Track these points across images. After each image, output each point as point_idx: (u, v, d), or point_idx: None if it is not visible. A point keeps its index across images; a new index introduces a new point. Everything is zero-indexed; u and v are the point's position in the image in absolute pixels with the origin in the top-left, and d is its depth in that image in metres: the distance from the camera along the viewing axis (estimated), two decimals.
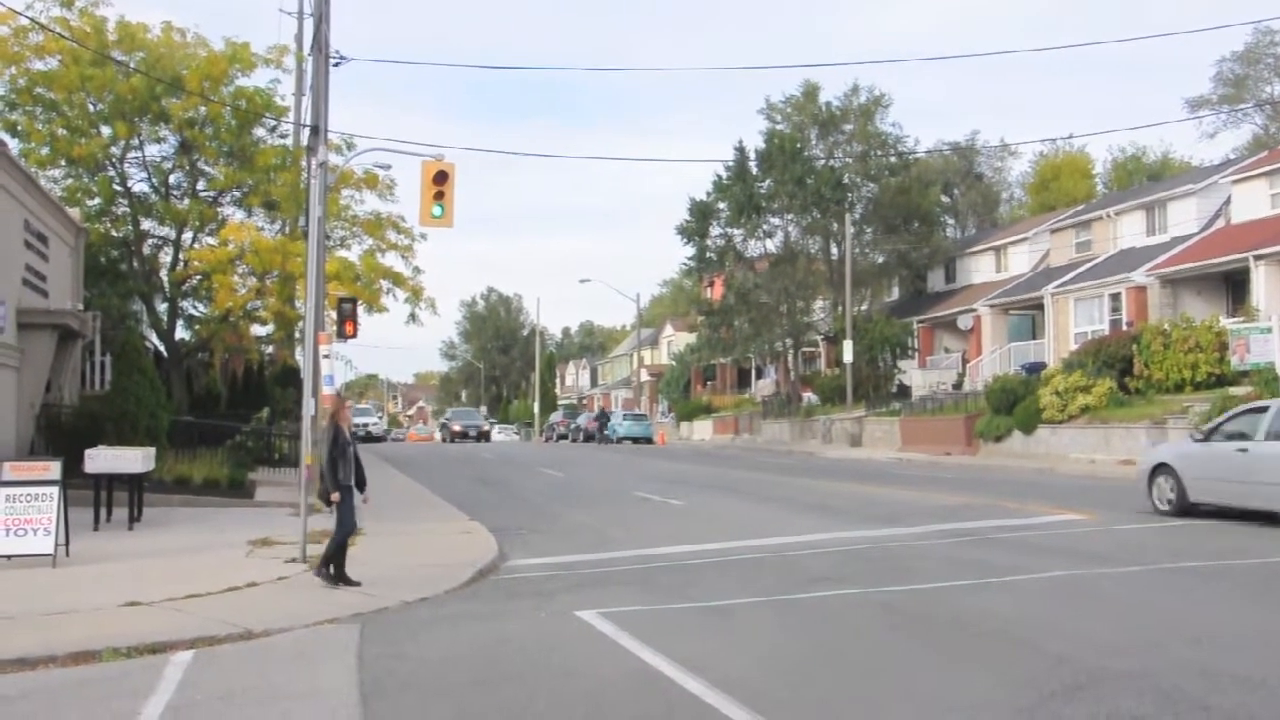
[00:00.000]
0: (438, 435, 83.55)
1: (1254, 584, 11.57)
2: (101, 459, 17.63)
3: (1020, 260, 50.30)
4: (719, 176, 55.57)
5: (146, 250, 32.01)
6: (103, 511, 17.69)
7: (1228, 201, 40.20)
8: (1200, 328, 32.84)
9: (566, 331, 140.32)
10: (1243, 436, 16.60)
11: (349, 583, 11.96)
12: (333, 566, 12.19)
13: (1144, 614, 10.13)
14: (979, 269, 53.35)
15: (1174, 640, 8.90)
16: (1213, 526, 16.26)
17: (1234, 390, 29.17)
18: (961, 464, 33.99)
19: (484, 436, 71.99)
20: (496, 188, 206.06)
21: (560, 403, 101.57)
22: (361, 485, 12.49)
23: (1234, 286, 37.49)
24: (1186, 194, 41.94)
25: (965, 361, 49.65)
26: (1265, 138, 57.51)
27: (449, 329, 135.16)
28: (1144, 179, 60.67)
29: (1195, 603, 10.64)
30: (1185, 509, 17.42)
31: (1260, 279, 34.37)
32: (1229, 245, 36.81)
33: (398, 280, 31.66)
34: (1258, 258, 34.36)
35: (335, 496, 12.02)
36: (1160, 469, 18.33)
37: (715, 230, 56.43)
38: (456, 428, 72.63)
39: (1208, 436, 17.63)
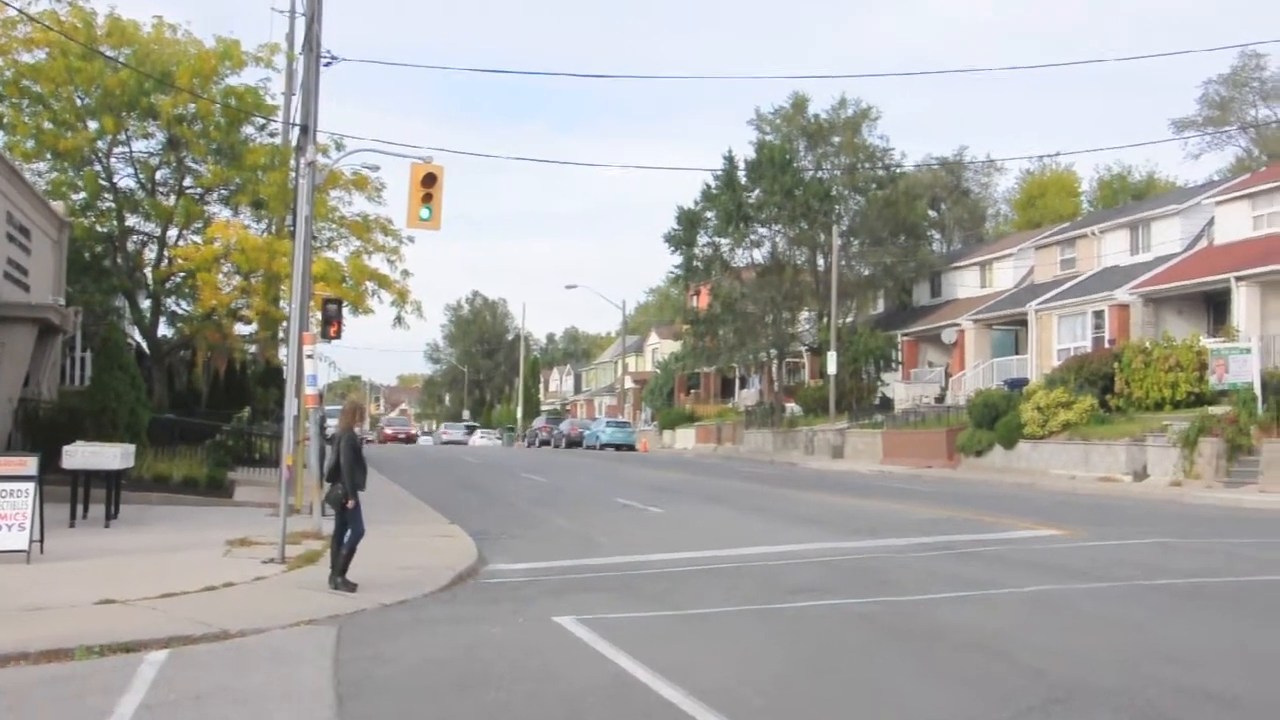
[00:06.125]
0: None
1: (1229, 601, 11.62)
2: (79, 455, 17.51)
3: (1005, 276, 50.47)
4: (708, 185, 55.70)
5: (131, 246, 31.83)
6: (79, 508, 17.57)
7: (1211, 222, 40.42)
8: (1181, 347, 32.99)
9: (551, 337, 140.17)
10: None
11: (350, 587, 11.84)
12: (342, 568, 12.05)
13: (1121, 630, 10.15)
14: (964, 284, 53.50)
15: (1150, 657, 8.93)
16: (1192, 546, 16.32)
17: (1213, 409, 29.32)
18: (942, 478, 34.06)
19: (411, 439, 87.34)
20: (485, 191, 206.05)
21: (543, 408, 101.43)
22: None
23: (1215, 307, 37.71)
24: (1170, 214, 42.15)
25: (948, 375, 49.76)
26: (1249, 160, 57.87)
27: (434, 332, 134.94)
28: (1129, 198, 60.97)
29: (1171, 619, 10.67)
30: None
31: (1241, 300, 34.57)
32: (1211, 266, 37.02)
33: (384, 283, 31.54)
34: (1239, 279, 34.56)
35: (351, 503, 11.91)
36: None
37: (703, 239, 56.47)
38: (389, 432, 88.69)
39: None
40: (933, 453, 38.62)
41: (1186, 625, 10.43)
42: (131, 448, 19.31)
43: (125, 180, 31.16)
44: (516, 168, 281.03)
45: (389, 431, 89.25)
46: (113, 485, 18.03)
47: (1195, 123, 60.26)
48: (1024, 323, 44.67)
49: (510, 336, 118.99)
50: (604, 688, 8.04)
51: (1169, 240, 41.30)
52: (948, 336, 49.53)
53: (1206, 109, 60.01)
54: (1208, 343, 33.13)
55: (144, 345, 32.18)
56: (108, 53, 27.73)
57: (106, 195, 30.36)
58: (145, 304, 32.05)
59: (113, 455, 17.80)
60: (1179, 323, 37.86)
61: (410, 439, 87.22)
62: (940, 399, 47.52)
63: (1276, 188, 37.21)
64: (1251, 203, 38.13)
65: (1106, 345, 37.94)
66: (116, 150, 30.39)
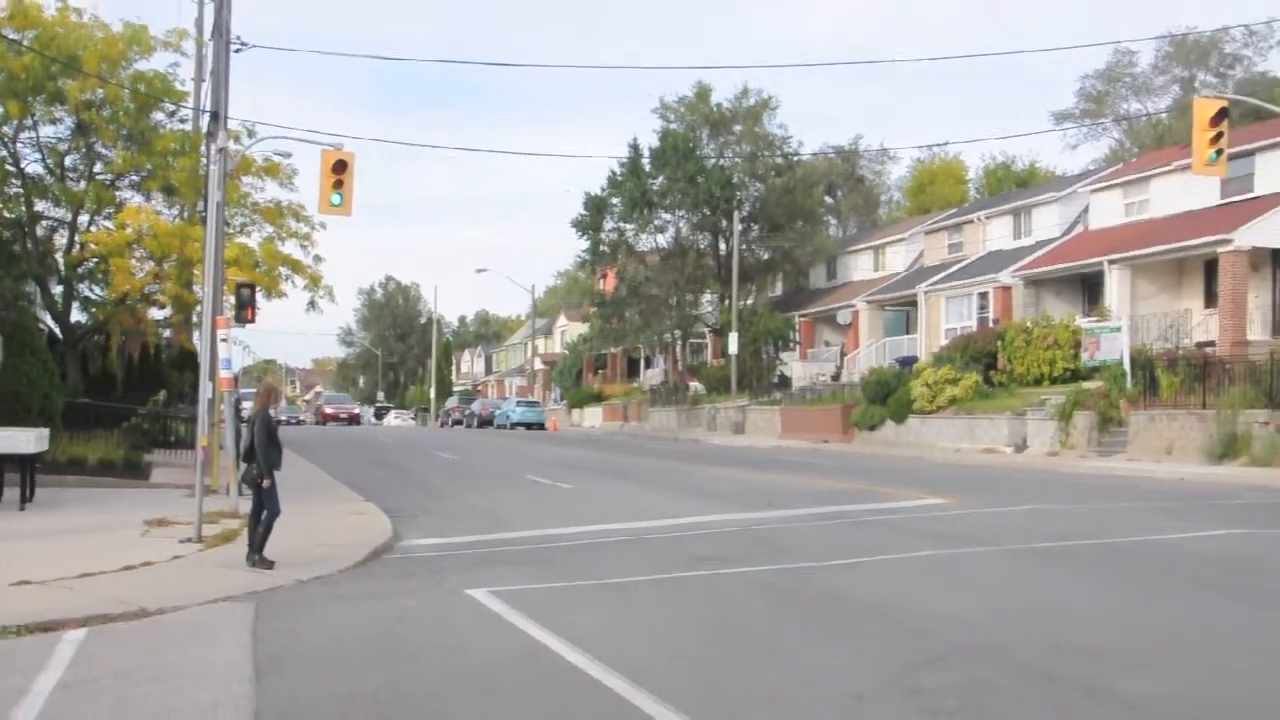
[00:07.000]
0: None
1: (1096, 562, 12.07)
2: None
3: (897, 259, 51.37)
4: (614, 172, 55.70)
5: (41, 232, 30.85)
6: None
7: (1086, 209, 41.60)
8: (1059, 326, 33.99)
9: (463, 320, 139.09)
10: None
11: (267, 564, 11.74)
12: (259, 546, 11.94)
13: (1000, 591, 10.49)
14: (858, 267, 54.34)
15: (1025, 615, 9.26)
16: (1065, 512, 16.88)
17: (1087, 385, 30.26)
18: (838, 451, 34.64)
19: (354, 420, 75.12)
20: (397, 178, 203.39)
21: (455, 389, 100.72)
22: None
23: (1090, 288, 38.87)
24: (1050, 201, 43.29)
25: (844, 354, 50.56)
26: (1121, 151, 59.58)
27: (347, 316, 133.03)
28: (1012, 186, 62.37)
29: (1045, 580, 11.06)
30: None
31: (1113, 282, 35.69)
32: (1086, 250, 38.13)
33: (297, 268, 30.98)
34: (1111, 262, 35.66)
35: (266, 483, 11.81)
36: None
37: (609, 224, 56.57)
38: (329, 411, 76.11)
39: None
40: (829, 428, 39.25)
41: (1059, 585, 10.81)
42: (45, 431, 18.85)
43: (33, 165, 30.16)
44: (429, 155, 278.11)
45: (329, 410, 77.28)
46: (27, 469, 17.56)
47: (1073, 115, 61.89)
48: (914, 304, 45.53)
49: (423, 319, 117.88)
50: (515, 657, 8.11)
51: (1049, 226, 42.43)
52: (843, 317, 50.32)
53: (1083, 102, 61.63)
54: (1083, 322, 34.18)
55: (56, 330, 31.27)
56: (10, 35, 26.80)
57: (14, 180, 29.37)
58: (57, 289, 31.12)
59: (26, 439, 17.36)
60: (1057, 303, 38.97)
61: (354, 419, 75.17)
62: (836, 377, 48.28)
63: (1146, 177, 38.43)
64: (1123, 191, 39.35)
65: (991, 325, 38.89)
66: (23, 135, 29.38)
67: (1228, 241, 31.57)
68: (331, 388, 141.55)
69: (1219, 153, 21.80)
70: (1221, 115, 21.78)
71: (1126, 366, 28.88)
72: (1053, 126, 62.30)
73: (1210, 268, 33.73)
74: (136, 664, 8.01)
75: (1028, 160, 69.44)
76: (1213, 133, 21.57)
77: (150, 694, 7.27)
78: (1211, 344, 31.42)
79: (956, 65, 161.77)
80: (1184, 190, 35.08)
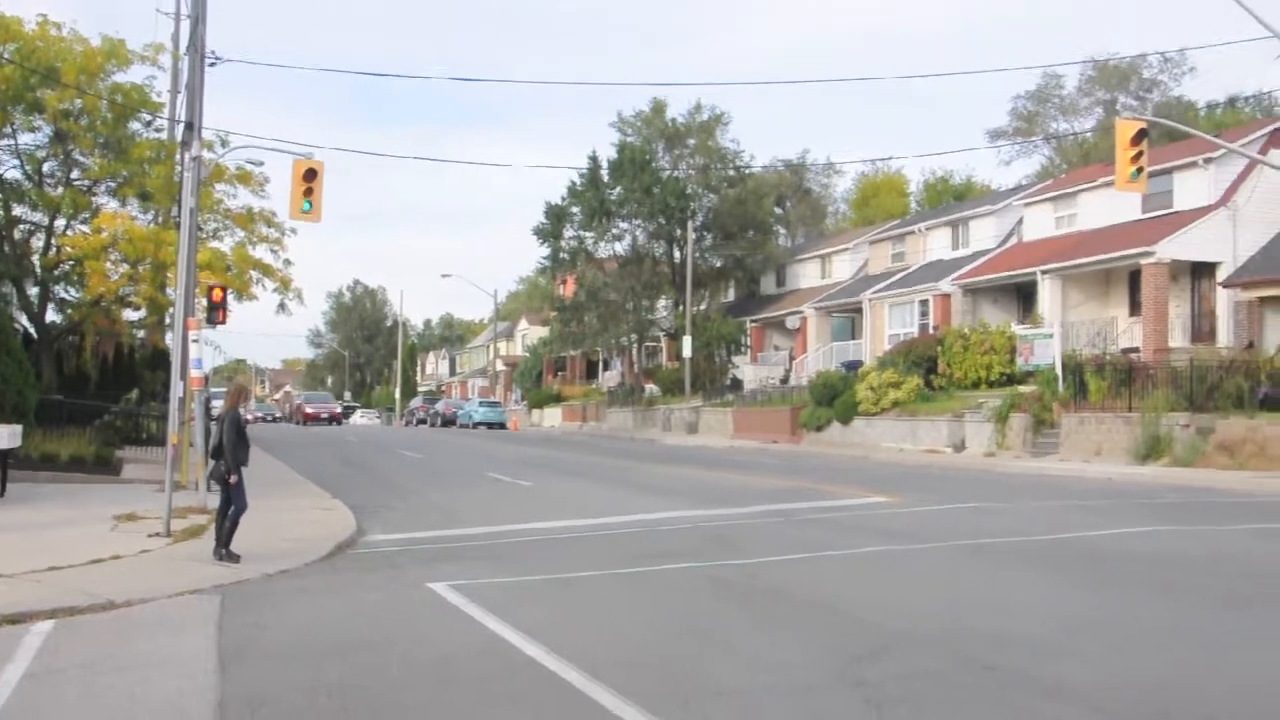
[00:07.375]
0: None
1: (1032, 558, 12.10)
2: None
3: (843, 268, 51.59)
4: (573, 183, 55.64)
5: (18, 235, 30.29)
6: None
7: (1020, 222, 41.98)
8: (995, 333, 34.24)
9: (428, 323, 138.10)
10: None
11: (234, 558, 11.51)
12: (226, 540, 11.72)
13: (944, 586, 10.48)
14: (806, 275, 54.53)
15: (969, 609, 9.24)
16: (1002, 509, 16.97)
17: (1022, 388, 30.50)
18: (787, 451, 34.69)
19: (336, 419, 71.21)
20: (366, 186, 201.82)
21: (420, 390, 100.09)
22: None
23: (1024, 297, 39.22)
24: (986, 214, 43.64)
25: (792, 358, 50.68)
26: (1052, 167, 60.14)
27: (316, 318, 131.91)
28: (951, 199, 62.76)
29: (989, 575, 11.06)
30: None
31: (1045, 290, 36.03)
32: (1020, 260, 38.48)
33: (267, 271, 30.63)
34: (1044, 272, 36.00)
35: (234, 479, 11.59)
36: None
37: (569, 232, 56.50)
38: (309, 410, 71.62)
39: None
40: (778, 429, 39.31)
41: (998, 580, 10.81)
42: (19, 428, 18.43)
43: (11, 171, 29.63)
44: (398, 165, 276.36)
45: (310, 410, 70.67)
46: (0, 464, 17.19)
47: (1006, 133, 62.42)
48: (860, 310, 45.75)
49: (389, 322, 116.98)
50: (473, 648, 7.98)
51: (985, 237, 42.77)
52: (792, 323, 50.47)
53: (1016, 121, 62.17)
54: (1017, 329, 34.46)
55: (32, 330, 30.68)
56: None
57: None
58: (33, 291, 30.56)
59: None
60: (994, 311, 39.28)
61: (335, 419, 70.20)
62: (785, 380, 48.38)
63: (1074, 192, 38.84)
64: (1054, 205, 39.75)
65: (931, 331, 39.13)
66: (1, 143, 28.89)
67: (1150, 254, 31.96)
68: (301, 388, 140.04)
69: (1140, 170, 22.02)
70: (1141, 135, 22.00)
71: (1058, 371, 29.14)
72: (988, 144, 62.86)
73: (1134, 278, 34.14)
74: (103, 655, 7.79)
75: (965, 175, 70.10)
76: (1134, 152, 21.79)
77: (116, 684, 7.08)
78: (1136, 350, 31.79)
79: (899, 85, 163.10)
80: (1109, 205, 35.48)
